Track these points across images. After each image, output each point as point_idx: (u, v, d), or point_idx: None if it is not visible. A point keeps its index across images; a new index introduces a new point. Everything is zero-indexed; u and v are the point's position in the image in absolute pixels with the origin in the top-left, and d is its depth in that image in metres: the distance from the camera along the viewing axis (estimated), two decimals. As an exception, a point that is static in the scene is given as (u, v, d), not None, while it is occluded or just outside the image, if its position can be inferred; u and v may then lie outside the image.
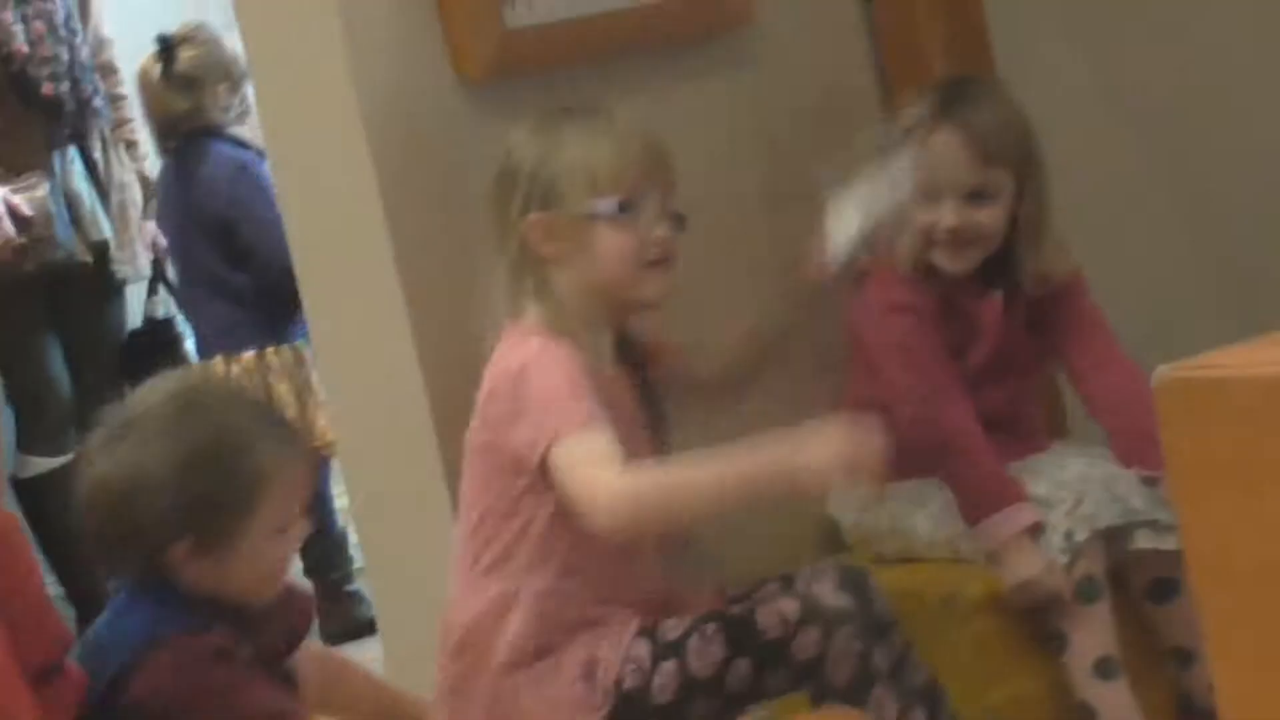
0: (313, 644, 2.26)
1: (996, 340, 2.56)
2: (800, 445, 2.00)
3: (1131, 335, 2.69)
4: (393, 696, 2.29)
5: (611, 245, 2.18)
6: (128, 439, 1.99)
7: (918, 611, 2.39)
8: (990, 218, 2.50)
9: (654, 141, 2.24)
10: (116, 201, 4.07)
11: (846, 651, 2.10)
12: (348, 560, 4.10)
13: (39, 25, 3.95)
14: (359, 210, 2.45)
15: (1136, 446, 2.45)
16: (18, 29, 3.92)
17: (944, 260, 2.53)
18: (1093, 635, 2.39)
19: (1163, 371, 1.48)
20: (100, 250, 4.02)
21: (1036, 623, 2.41)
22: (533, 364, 2.12)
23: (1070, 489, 2.45)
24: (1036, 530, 2.42)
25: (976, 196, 2.49)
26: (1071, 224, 2.79)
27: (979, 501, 2.46)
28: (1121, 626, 2.44)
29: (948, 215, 2.49)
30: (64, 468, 4.00)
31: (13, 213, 3.80)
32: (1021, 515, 2.42)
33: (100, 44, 4.11)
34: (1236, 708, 1.52)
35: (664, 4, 2.58)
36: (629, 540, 2.12)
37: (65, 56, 3.99)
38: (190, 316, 4.16)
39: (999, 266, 2.54)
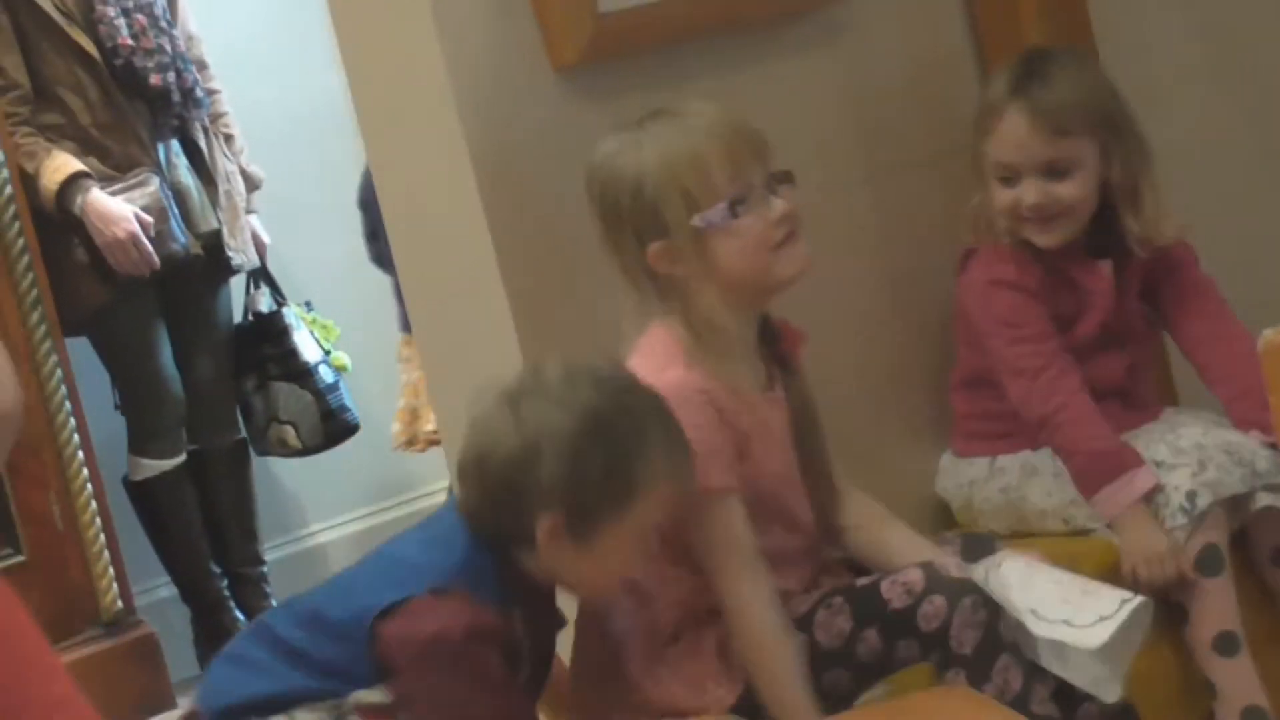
0: None
1: (1107, 308, 2.55)
2: None
3: (1241, 304, 2.66)
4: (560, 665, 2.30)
5: (736, 247, 2.15)
6: (529, 399, 2.02)
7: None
8: (1072, 190, 2.50)
9: (731, 122, 2.20)
10: (224, 191, 4.08)
11: (971, 621, 2.10)
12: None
13: (140, 18, 3.95)
14: (457, 200, 2.46)
15: (1255, 411, 2.44)
16: (120, 22, 3.92)
17: (1035, 236, 2.53)
18: (1214, 609, 2.37)
19: (1269, 335, 1.49)
20: (210, 241, 4.03)
21: (1156, 595, 2.35)
22: (672, 399, 2.09)
23: (1190, 454, 2.42)
24: (1154, 494, 2.40)
25: (1054, 171, 2.49)
26: (1178, 196, 2.78)
27: (1094, 470, 2.45)
28: (1243, 594, 2.41)
29: (1028, 193, 2.50)
30: (176, 469, 4.06)
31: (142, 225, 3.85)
32: (1139, 480, 2.41)
33: (190, 39, 4.13)
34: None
35: (753, -18, 2.57)
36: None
37: (168, 47, 3.99)
38: None
39: (1105, 234, 2.53)
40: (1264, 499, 2.41)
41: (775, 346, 2.27)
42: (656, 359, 2.16)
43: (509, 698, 2.01)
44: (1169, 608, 2.38)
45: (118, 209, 3.82)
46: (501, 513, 2.02)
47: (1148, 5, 2.86)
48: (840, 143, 2.65)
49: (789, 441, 2.25)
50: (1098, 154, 2.50)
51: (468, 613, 1.96)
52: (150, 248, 3.83)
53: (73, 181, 3.80)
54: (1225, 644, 2.37)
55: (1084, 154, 2.49)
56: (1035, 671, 2.12)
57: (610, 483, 2.00)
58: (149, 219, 3.84)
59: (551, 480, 1.98)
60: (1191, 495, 2.37)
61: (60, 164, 3.81)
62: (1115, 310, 2.56)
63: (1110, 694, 2.11)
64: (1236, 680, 2.37)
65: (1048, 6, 2.71)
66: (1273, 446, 2.42)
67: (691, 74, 2.54)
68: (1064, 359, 2.51)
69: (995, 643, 2.11)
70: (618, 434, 2.01)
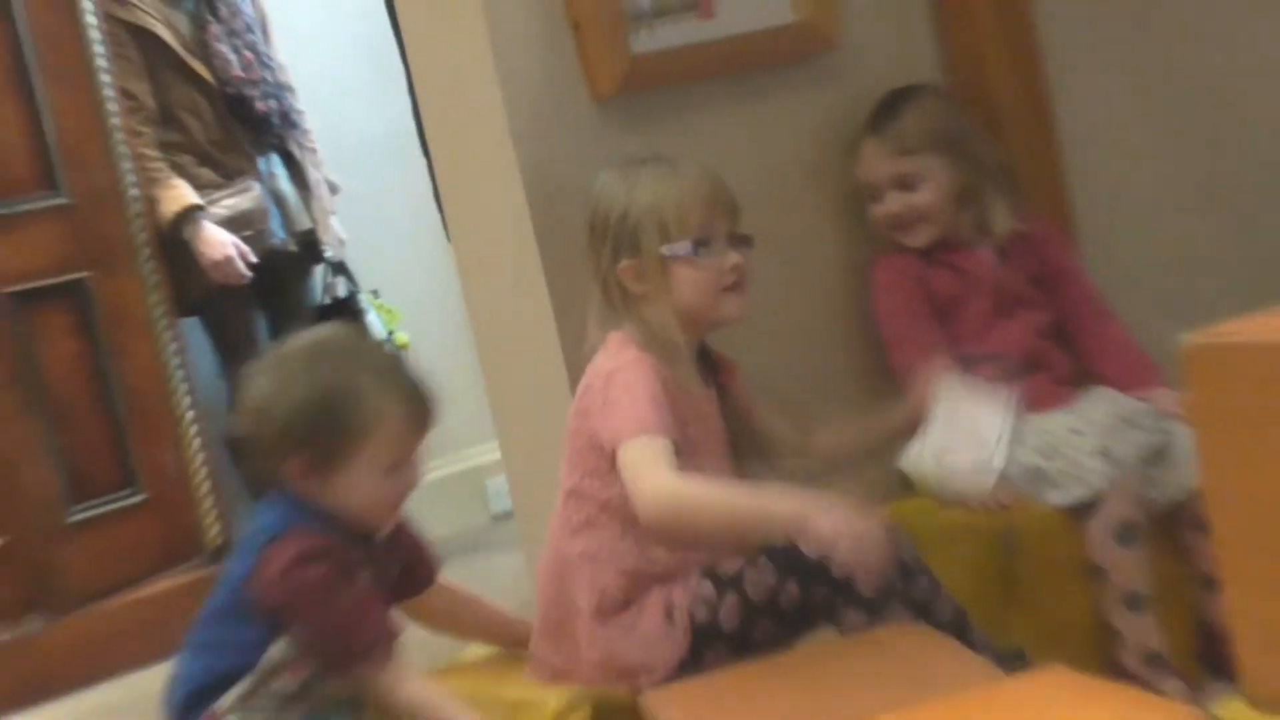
0: (443, 577, 2.31)
1: (995, 285, 2.58)
2: (815, 512, 2.00)
3: (1154, 306, 2.68)
4: (506, 619, 2.35)
5: (691, 280, 2.19)
6: (271, 371, 2.08)
7: (975, 544, 2.39)
8: (923, 197, 2.57)
9: (714, 181, 2.22)
10: (315, 196, 4.13)
11: (874, 569, 2.07)
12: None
13: (247, 54, 4.01)
14: (509, 210, 2.47)
15: (1134, 377, 2.53)
16: (232, 57, 3.98)
17: (904, 239, 2.59)
18: (1127, 574, 2.38)
19: (1189, 338, 1.49)
20: (303, 238, 4.09)
21: (1080, 556, 2.40)
22: (623, 370, 2.13)
23: (1098, 426, 2.44)
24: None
25: (905, 184, 2.57)
26: (1108, 211, 2.80)
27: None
28: (1160, 556, 2.42)
29: (890, 204, 2.58)
30: None
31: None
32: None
33: (280, 67, 4.17)
34: (1245, 624, 1.53)
35: (762, 31, 2.58)
36: (663, 537, 2.12)
37: (269, 78, 4.05)
38: None
39: (979, 226, 2.59)
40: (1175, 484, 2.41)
41: (713, 373, 2.28)
42: (616, 349, 2.18)
43: (361, 592, 2.03)
44: (1089, 571, 2.38)
45: (218, 238, 3.86)
46: (268, 469, 2.06)
47: (1095, 64, 2.86)
48: (828, 167, 2.66)
49: (724, 436, 2.26)
50: (945, 167, 2.56)
51: (305, 539, 2.01)
52: (241, 266, 3.87)
53: (186, 213, 3.85)
54: (1134, 601, 2.37)
55: (929, 168, 2.56)
56: (921, 613, 2.12)
57: (334, 424, 2.02)
58: (245, 248, 3.90)
59: (281, 431, 2.02)
60: (1105, 455, 2.39)
61: (177, 195, 3.85)
62: (999, 288, 2.58)
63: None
64: (1140, 631, 2.37)
65: (1010, 59, 2.71)
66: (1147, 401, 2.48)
67: (708, 106, 2.57)
68: (933, 353, 2.51)
69: (889, 589, 2.10)
70: (330, 381, 2.03)
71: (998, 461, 2.25)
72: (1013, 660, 2.11)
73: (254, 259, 3.91)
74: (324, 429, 2.03)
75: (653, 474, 2.04)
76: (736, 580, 2.12)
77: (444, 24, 2.52)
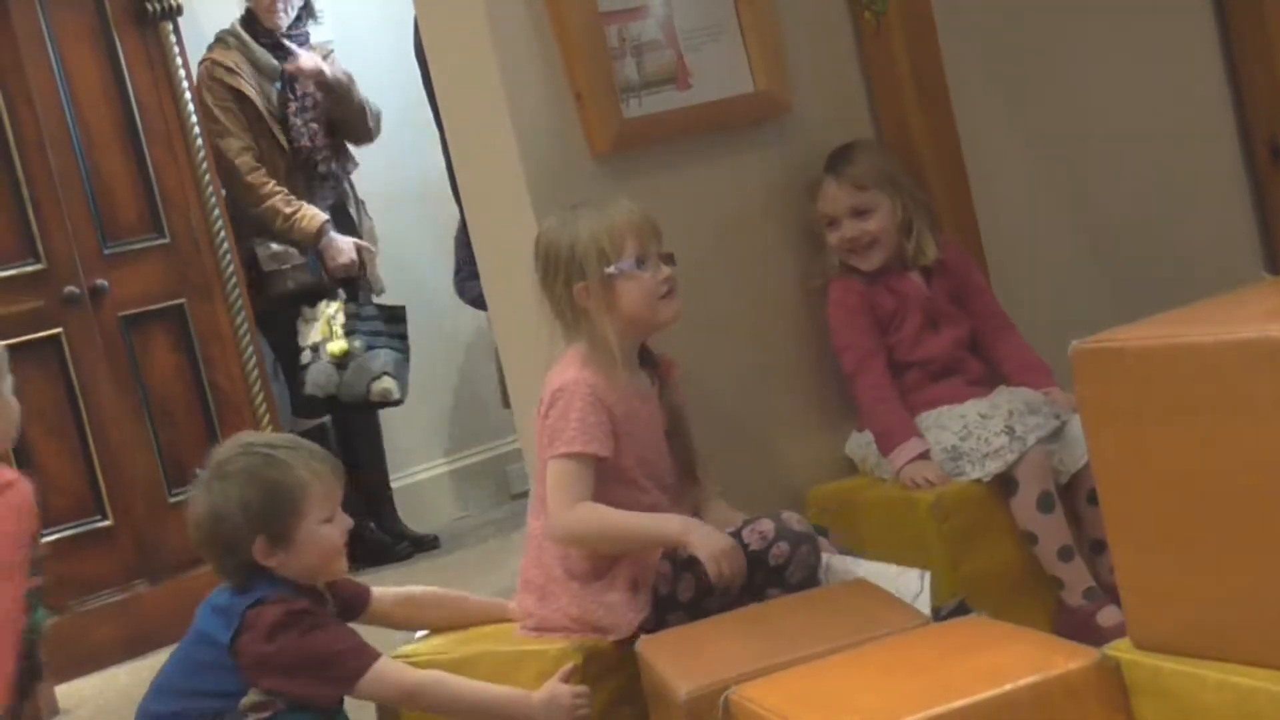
0: (378, 589, 2.23)
1: (923, 306, 2.57)
2: (691, 533, 2.06)
3: (1048, 318, 2.66)
4: (476, 603, 2.29)
5: (634, 291, 2.16)
6: (210, 487, 2.01)
7: (911, 513, 2.37)
8: (874, 224, 2.54)
9: (639, 212, 2.19)
10: (366, 240, 4.11)
11: (803, 563, 2.11)
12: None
13: (315, 126, 4.02)
14: (527, 247, 2.39)
15: (1033, 378, 2.52)
16: (304, 130, 4.00)
17: (859, 262, 2.56)
18: (1054, 533, 2.37)
19: (1077, 344, 1.49)
20: (349, 272, 4.02)
21: (998, 520, 2.38)
22: (563, 392, 2.11)
23: (1004, 410, 2.42)
24: (925, 456, 2.41)
25: (858, 213, 2.54)
26: (1009, 240, 2.78)
27: (883, 438, 2.47)
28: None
29: (846, 230, 2.55)
30: (320, 425, 4.07)
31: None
32: (912, 447, 2.42)
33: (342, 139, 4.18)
34: (1129, 579, 1.52)
35: (729, 99, 2.57)
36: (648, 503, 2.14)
37: (331, 148, 4.07)
38: None
39: (915, 252, 2.57)
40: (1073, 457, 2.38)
41: (653, 369, 2.25)
42: (564, 366, 2.16)
43: (339, 630, 2.00)
44: (1022, 534, 2.37)
45: (345, 244, 3.95)
46: (234, 559, 1.99)
47: (998, 123, 2.84)
48: (786, 207, 2.64)
49: (660, 429, 2.22)
50: (890, 200, 2.54)
51: (285, 603, 1.97)
52: (357, 263, 3.97)
53: (323, 227, 3.90)
54: (1065, 553, 2.36)
55: (878, 201, 2.54)
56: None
57: (278, 502, 1.97)
58: (366, 245, 4.01)
59: (239, 527, 1.97)
60: (1011, 433, 2.37)
61: (312, 214, 3.91)
62: (928, 306, 2.57)
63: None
64: (1075, 576, 2.36)
65: (927, 119, 2.69)
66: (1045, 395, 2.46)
67: (686, 161, 2.55)
68: (872, 359, 2.51)
69: (813, 580, 2.11)
70: (262, 473, 1.99)
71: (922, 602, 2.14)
72: (956, 613, 2.10)
73: (374, 249, 4.05)
74: (272, 510, 1.98)
75: (563, 502, 2.07)
76: (692, 562, 2.10)
77: (471, 92, 2.51)
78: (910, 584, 2.11)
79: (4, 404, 2.23)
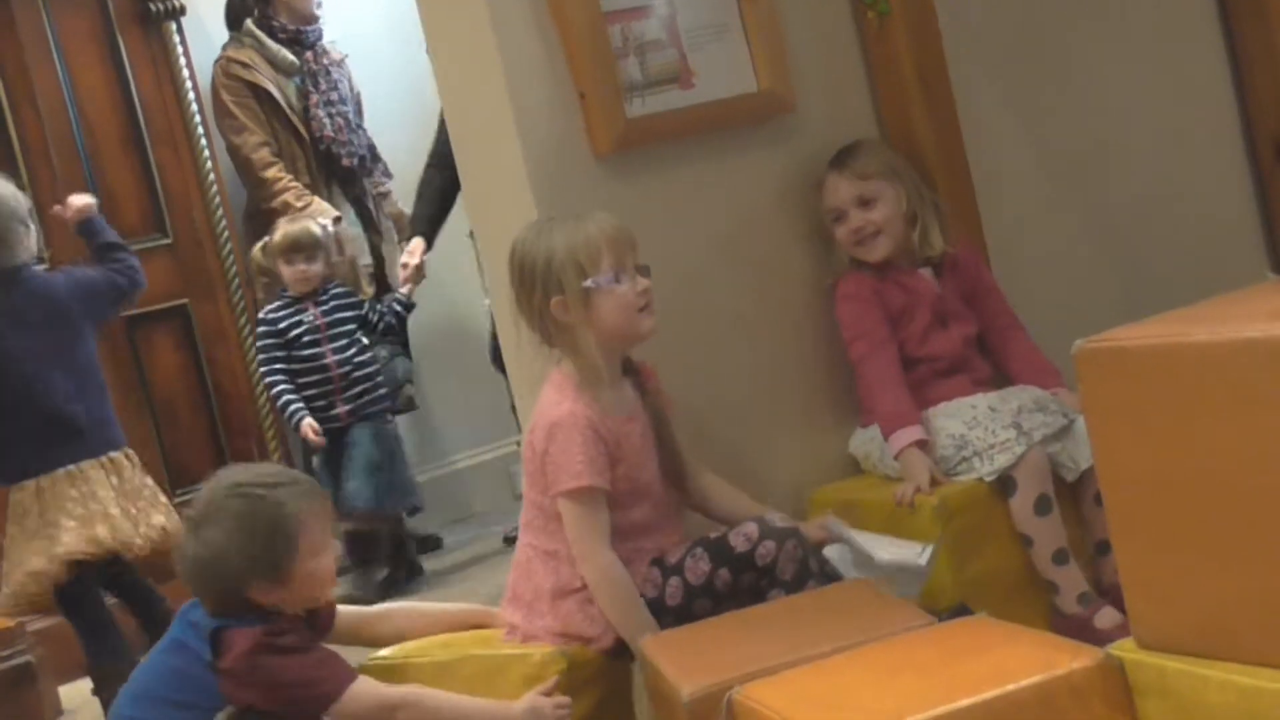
0: (344, 608, 2.22)
1: (933, 302, 2.56)
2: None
3: (1051, 316, 2.66)
4: (454, 613, 2.29)
5: (612, 305, 2.13)
6: (204, 526, 2.00)
7: (915, 515, 2.36)
8: (880, 213, 2.54)
9: (615, 224, 2.17)
10: (386, 241, 4.10)
11: (792, 557, 2.10)
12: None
13: (339, 119, 4.02)
14: None
15: (1040, 379, 2.52)
16: (326, 120, 3.99)
17: (865, 254, 2.55)
18: (1049, 536, 2.36)
19: (1081, 343, 1.49)
20: (365, 270, 4.03)
21: (1002, 522, 2.37)
22: (560, 427, 2.09)
23: (1012, 406, 2.43)
24: (924, 445, 2.40)
25: (863, 203, 2.54)
26: (1013, 239, 2.77)
27: (886, 424, 2.46)
28: (1066, 523, 2.40)
29: (852, 221, 2.54)
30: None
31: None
32: (908, 434, 2.42)
33: (365, 132, 4.15)
34: (1133, 580, 1.52)
35: (732, 99, 2.57)
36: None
37: (356, 141, 4.06)
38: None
39: (922, 244, 2.57)
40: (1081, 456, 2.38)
41: (635, 378, 2.24)
42: (557, 395, 2.14)
43: (318, 652, 2.00)
44: (1017, 537, 2.36)
45: (353, 234, 3.91)
46: (232, 600, 1.98)
47: (1001, 119, 2.84)
48: (789, 207, 2.64)
49: (651, 446, 2.20)
50: (893, 192, 2.53)
51: (265, 624, 1.97)
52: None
53: (336, 220, 3.85)
54: (1060, 556, 2.36)
55: (882, 190, 2.53)
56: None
57: (274, 542, 1.96)
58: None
59: (238, 571, 1.96)
60: (1018, 429, 2.37)
61: (325, 208, 3.87)
62: (938, 303, 2.56)
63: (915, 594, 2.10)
64: (1070, 581, 2.36)
65: (932, 118, 2.68)
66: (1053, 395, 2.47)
67: (689, 160, 2.54)
68: (883, 347, 2.50)
69: (805, 571, 2.11)
70: (258, 511, 1.97)
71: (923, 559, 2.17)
72: (957, 614, 2.08)
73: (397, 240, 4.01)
74: (269, 553, 1.96)
75: (589, 547, 2.06)
76: (678, 568, 2.11)
77: (475, 92, 2.51)
78: (910, 549, 2.13)
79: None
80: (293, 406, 3.55)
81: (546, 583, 2.16)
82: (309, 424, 3.52)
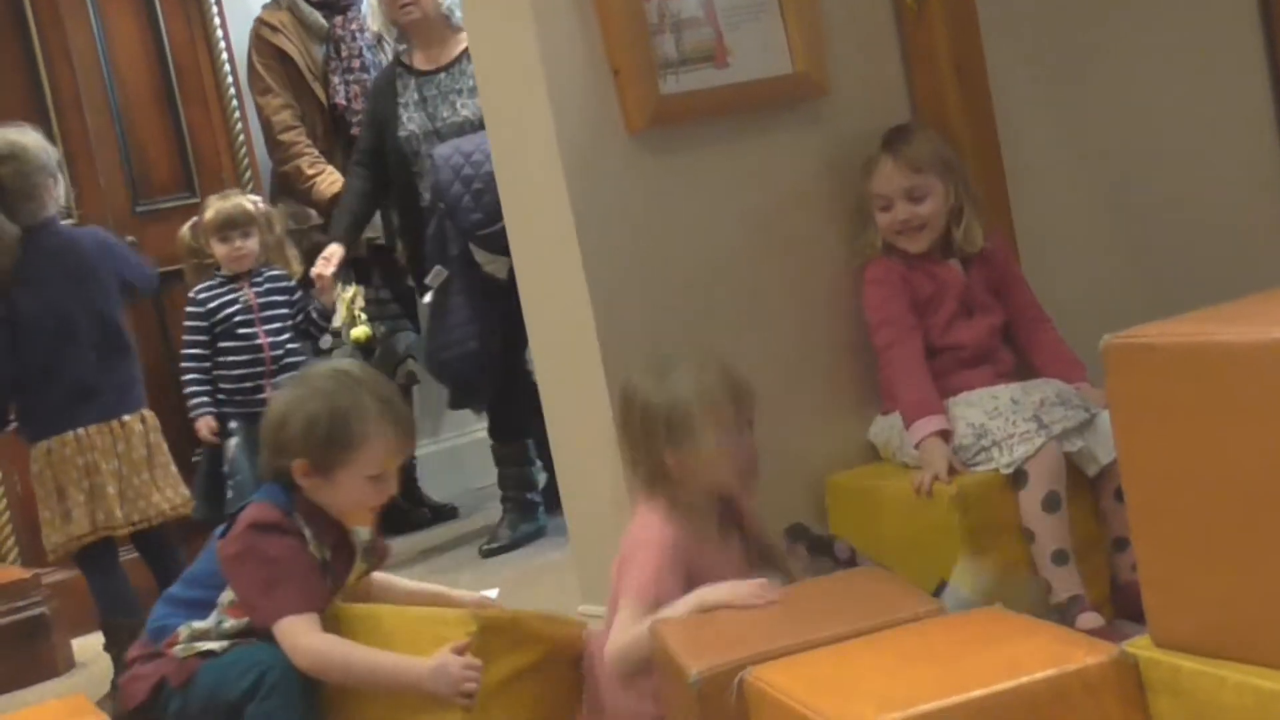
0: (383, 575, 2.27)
1: (960, 294, 2.56)
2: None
3: (1080, 309, 2.65)
4: (438, 594, 2.31)
5: (720, 467, 2.09)
6: (297, 386, 2.12)
7: (933, 505, 2.36)
8: (928, 208, 2.53)
9: (733, 377, 2.10)
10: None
11: None
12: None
13: (355, 89, 4.01)
14: (559, 223, 2.45)
15: (1065, 373, 2.52)
16: (341, 88, 3.99)
17: (908, 245, 2.54)
18: (1053, 535, 2.35)
19: (1109, 338, 1.49)
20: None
21: (1015, 516, 2.37)
22: (645, 547, 2.06)
23: (1035, 398, 2.42)
24: (946, 435, 2.40)
25: (913, 196, 2.52)
26: (1044, 232, 2.76)
27: (908, 412, 2.45)
28: (1084, 519, 2.40)
29: (900, 211, 2.53)
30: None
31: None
32: (931, 423, 2.41)
33: None
34: (1152, 578, 1.52)
35: (767, 79, 2.56)
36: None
37: None
38: None
39: (951, 243, 2.56)
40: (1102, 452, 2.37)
41: (726, 511, 2.17)
42: (646, 523, 2.09)
43: (300, 561, 2.03)
44: (1022, 532, 2.36)
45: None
46: (278, 462, 2.07)
47: (1035, 109, 2.83)
48: (819, 191, 2.64)
49: (744, 569, 2.11)
50: (942, 187, 2.52)
51: (262, 511, 2.05)
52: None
53: (337, 194, 3.83)
54: (1059, 557, 2.35)
55: (932, 185, 2.52)
56: None
57: (334, 438, 2.02)
58: None
59: (293, 438, 2.04)
60: (1038, 422, 2.37)
61: (335, 178, 3.86)
62: (965, 294, 2.56)
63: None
64: (1066, 581, 2.35)
65: (966, 105, 2.68)
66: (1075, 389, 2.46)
67: (722, 140, 2.54)
68: (908, 336, 2.50)
69: None
70: (339, 404, 2.04)
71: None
72: (971, 603, 2.09)
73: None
74: (326, 441, 2.03)
75: (618, 639, 2.02)
76: None
77: (509, 69, 2.51)
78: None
79: None
80: (198, 399, 3.41)
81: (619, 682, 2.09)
82: (206, 423, 3.39)
